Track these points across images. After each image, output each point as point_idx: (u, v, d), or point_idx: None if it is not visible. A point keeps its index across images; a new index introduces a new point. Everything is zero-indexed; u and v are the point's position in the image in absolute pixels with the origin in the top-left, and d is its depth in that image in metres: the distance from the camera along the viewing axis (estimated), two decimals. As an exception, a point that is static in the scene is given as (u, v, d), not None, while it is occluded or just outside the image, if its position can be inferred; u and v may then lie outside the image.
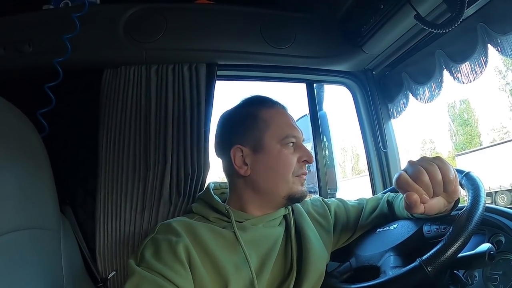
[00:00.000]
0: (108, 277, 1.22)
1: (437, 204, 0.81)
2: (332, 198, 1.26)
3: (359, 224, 1.14)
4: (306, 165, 1.06)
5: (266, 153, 1.02)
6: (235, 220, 0.99)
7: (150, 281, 0.79)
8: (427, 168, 0.76)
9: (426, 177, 0.75)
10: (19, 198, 0.91)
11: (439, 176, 0.76)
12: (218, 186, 1.18)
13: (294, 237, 1.03)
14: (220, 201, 1.05)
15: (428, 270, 0.71)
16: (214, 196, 1.07)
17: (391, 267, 0.83)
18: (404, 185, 0.76)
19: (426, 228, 0.86)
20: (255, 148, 1.03)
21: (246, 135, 1.05)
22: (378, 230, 1.06)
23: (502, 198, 13.27)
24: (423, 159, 0.79)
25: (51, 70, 1.22)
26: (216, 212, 1.03)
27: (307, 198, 1.24)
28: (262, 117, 1.06)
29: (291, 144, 1.04)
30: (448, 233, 0.76)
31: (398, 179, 0.78)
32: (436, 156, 0.80)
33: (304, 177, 1.05)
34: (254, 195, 1.05)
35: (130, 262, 0.86)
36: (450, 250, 0.72)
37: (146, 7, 1.36)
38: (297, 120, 1.78)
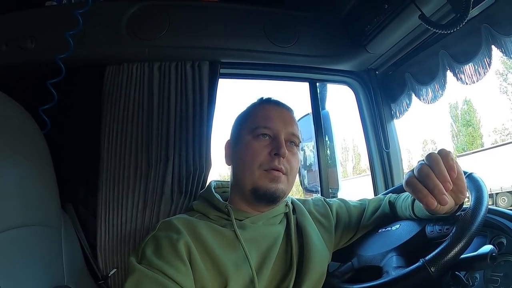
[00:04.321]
0: (109, 274, 1.22)
1: (449, 202, 0.79)
2: (334, 198, 1.26)
3: (360, 225, 1.14)
4: (281, 160, 0.99)
5: (238, 144, 1.07)
6: (235, 218, 0.99)
7: (151, 278, 0.79)
8: (434, 168, 0.75)
9: (434, 178, 0.73)
10: (20, 195, 0.91)
11: (445, 172, 0.74)
12: (220, 184, 1.19)
13: (295, 236, 1.03)
14: (221, 199, 1.05)
15: (431, 270, 0.71)
16: (215, 194, 1.07)
17: (393, 267, 0.83)
18: (414, 188, 0.76)
19: (429, 229, 0.86)
20: (235, 141, 1.10)
21: (233, 130, 1.13)
22: (380, 231, 1.05)
23: (503, 200, 13.25)
24: (429, 157, 0.77)
25: (53, 66, 1.22)
26: (216, 210, 1.03)
27: (309, 198, 1.24)
28: (248, 112, 1.12)
29: (265, 136, 1.02)
30: (451, 234, 0.75)
31: (407, 182, 0.77)
32: (443, 151, 0.78)
33: (275, 173, 0.99)
34: (234, 188, 1.08)
35: (130, 260, 0.86)
36: (454, 250, 0.72)
37: (149, 4, 1.35)
38: (299, 119, 1.78)
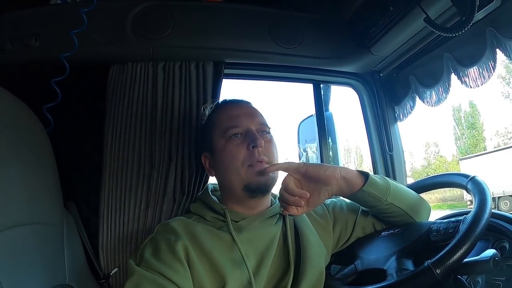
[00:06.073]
0: (111, 274, 1.21)
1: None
2: (331, 198, 1.26)
3: (356, 222, 1.14)
4: (260, 151, 1.01)
5: (216, 152, 1.07)
6: (231, 220, 1.00)
7: (150, 280, 0.80)
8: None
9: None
10: (23, 193, 0.91)
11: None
12: (217, 187, 1.19)
13: (291, 236, 1.04)
14: (217, 201, 1.07)
15: (437, 272, 0.71)
16: (212, 196, 1.08)
17: (397, 270, 0.83)
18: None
19: (432, 231, 0.86)
20: (211, 151, 1.10)
21: (205, 141, 1.14)
22: (382, 234, 1.05)
23: (505, 204, 13.22)
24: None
25: (57, 65, 1.21)
26: (213, 212, 1.04)
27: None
28: (212, 119, 1.12)
29: (237, 135, 1.03)
30: (457, 236, 0.76)
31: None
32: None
33: (260, 164, 1.00)
34: (225, 193, 1.09)
35: (129, 262, 0.87)
36: (459, 252, 0.72)
37: (154, 4, 1.35)
38: (303, 120, 1.78)
